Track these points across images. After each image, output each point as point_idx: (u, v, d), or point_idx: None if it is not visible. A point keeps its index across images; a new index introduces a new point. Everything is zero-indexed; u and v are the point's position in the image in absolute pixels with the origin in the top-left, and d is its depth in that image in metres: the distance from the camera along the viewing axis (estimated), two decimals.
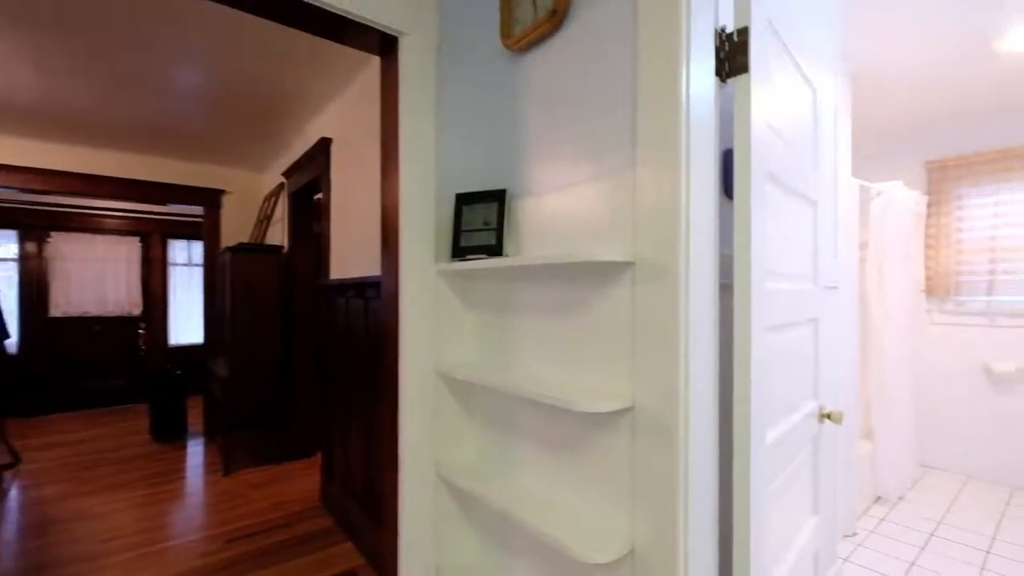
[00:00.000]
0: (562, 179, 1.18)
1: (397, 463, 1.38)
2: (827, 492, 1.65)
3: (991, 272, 3.06)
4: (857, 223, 2.50)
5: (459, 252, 1.38)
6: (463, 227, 1.39)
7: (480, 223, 1.35)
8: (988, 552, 2.25)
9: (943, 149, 3.24)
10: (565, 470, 1.17)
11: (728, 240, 1.03)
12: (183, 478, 3.23)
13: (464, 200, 1.40)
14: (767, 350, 1.07)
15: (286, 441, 3.47)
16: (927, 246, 3.28)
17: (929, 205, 3.25)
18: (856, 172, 3.34)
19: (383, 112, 1.47)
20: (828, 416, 1.43)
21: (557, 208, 1.20)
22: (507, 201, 1.34)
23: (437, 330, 1.43)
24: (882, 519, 2.58)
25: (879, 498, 2.83)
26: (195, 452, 3.78)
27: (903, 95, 2.86)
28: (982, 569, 2.11)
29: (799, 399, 1.31)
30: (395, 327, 1.38)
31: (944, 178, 3.22)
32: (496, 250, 1.30)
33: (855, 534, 2.41)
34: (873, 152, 3.49)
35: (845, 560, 2.18)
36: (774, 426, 1.11)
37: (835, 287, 1.89)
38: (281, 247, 3.54)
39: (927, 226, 3.27)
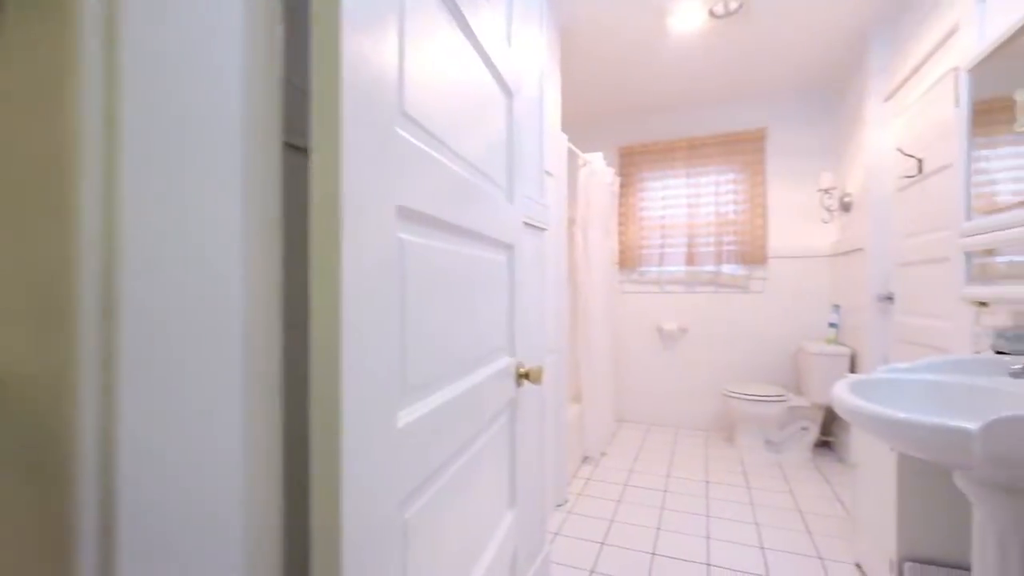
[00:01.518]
0: None
1: None
2: (530, 472, 1.34)
3: (662, 246, 3.57)
4: (566, 183, 2.44)
5: None
6: None
7: None
8: (665, 491, 2.46)
9: (630, 136, 3.65)
10: None
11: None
12: None
13: None
14: (402, 255, 0.58)
15: None
16: (619, 223, 3.65)
17: (621, 185, 3.62)
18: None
19: None
20: (526, 376, 1.09)
21: None
22: None
23: None
24: (588, 479, 2.63)
25: (586, 458, 2.93)
26: None
27: (602, 79, 3.04)
28: (662, 509, 2.26)
29: (487, 352, 0.90)
30: None
31: (631, 163, 3.63)
32: None
33: (566, 502, 2.34)
34: (578, 133, 3.73)
35: (556, 534, 2.03)
36: (427, 394, 0.63)
37: (544, 229, 1.64)
38: None
39: (620, 204, 3.64)
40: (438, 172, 0.67)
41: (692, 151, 3.46)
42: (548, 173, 2.02)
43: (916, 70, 2.06)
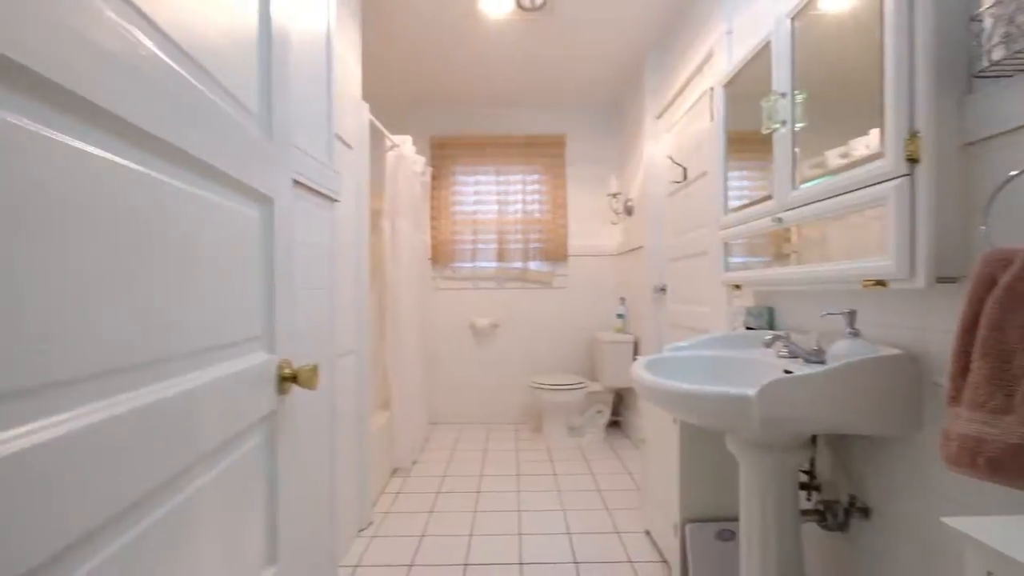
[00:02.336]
0: None
1: None
2: (308, 507, 1.05)
3: (474, 242, 3.53)
4: (369, 164, 2.15)
5: None
6: None
7: None
8: (478, 492, 2.36)
9: (442, 128, 3.53)
10: None
11: None
12: None
13: None
14: None
15: None
16: (432, 217, 3.49)
17: (433, 178, 3.46)
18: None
19: None
20: (294, 378, 0.80)
21: None
22: None
23: None
24: (398, 493, 2.37)
25: (397, 469, 2.67)
26: None
27: (415, 63, 2.84)
28: (475, 512, 2.14)
29: (216, 345, 0.60)
30: None
31: (444, 155, 3.51)
32: None
33: (370, 524, 2.04)
34: (387, 117, 3.45)
35: (356, 567, 1.73)
36: None
37: (335, 200, 1.35)
38: None
39: (432, 197, 3.48)
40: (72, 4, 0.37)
41: (502, 149, 3.51)
42: (342, 140, 1.72)
43: (681, 91, 2.39)
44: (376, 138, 2.62)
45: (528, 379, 3.45)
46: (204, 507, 0.56)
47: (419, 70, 2.99)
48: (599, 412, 3.14)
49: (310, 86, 1.17)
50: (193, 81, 0.55)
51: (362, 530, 1.99)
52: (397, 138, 2.66)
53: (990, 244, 0.77)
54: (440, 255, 3.51)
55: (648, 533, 1.91)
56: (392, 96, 3.33)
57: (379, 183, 2.76)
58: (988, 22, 0.77)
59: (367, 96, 2.13)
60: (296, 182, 1.04)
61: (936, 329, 0.93)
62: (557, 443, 3.07)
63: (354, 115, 1.93)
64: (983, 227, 0.80)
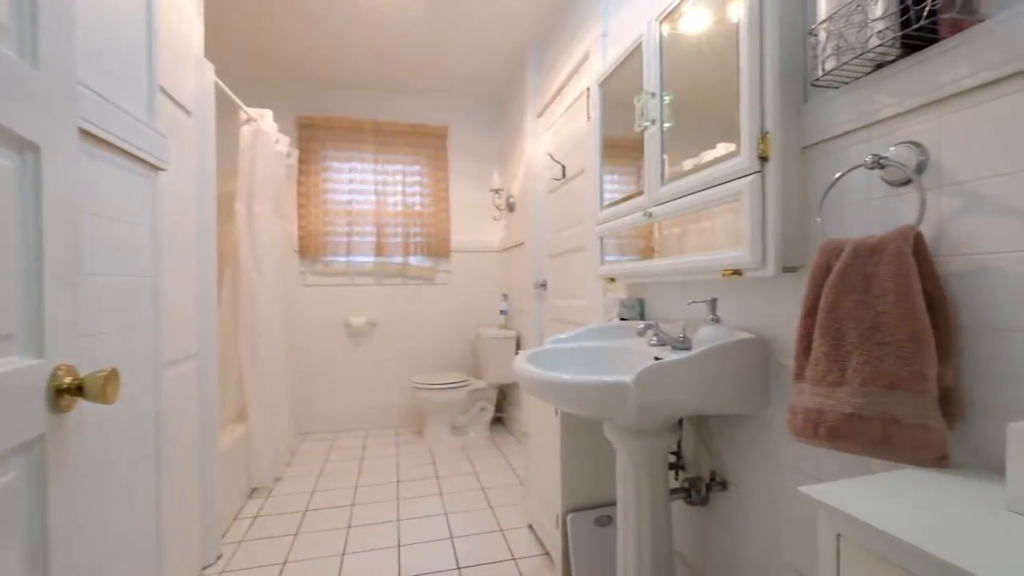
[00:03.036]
0: None
1: None
2: (115, 559, 0.83)
3: (349, 235, 3.26)
4: (214, 136, 1.83)
5: None
6: None
7: None
8: (352, 505, 2.17)
9: (311, 107, 3.20)
10: None
11: None
12: None
13: None
14: None
15: None
16: (299, 205, 3.15)
17: (301, 162, 3.12)
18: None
19: None
20: (79, 387, 0.60)
21: None
22: None
23: None
24: (257, 516, 2.07)
25: (255, 490, 2.34)
26: None
27: (284, 34, 2.51)
28: (348, 528, 1.95)
29: None
30: None
31: (313, 137, 3.18)
32: None
33: (218, 558, 1.74)
34: (245, 91, 3.03)
35: None
36: None
37: (159, 168, 1.09)
38: None
39: (299, 183, 3.13)
40: None
41: (380, 136, 3.29)
42: (177, 102, 1.43)
43: (560, 91, 2.44)
44: (228, 109, 2.27)
45: (409, 379, 3.30)
46: None
47: (286, 40, 2.66)
48: (483, 409, 3.11)
49: (120, 20, 0.92)
50: None
51: (208, 566, 1.69)
52: (254, 111, 2.33)
53: (824, 235, 0.86)
54: (309, 247, 3.18)
55: (531, 527, 1.91)
56: (252, 67, 2.93)
57: (232, 162, 2.40)
58: (822, 36, 0.86)
59: (220, 64, 1.81)
60: (90, 134, 0.80)
61: (781, 314, 1.03)
62: (440, 444, 2.96)
63: (194, 75, 1.62)
64: (818, 219, 0.89)
